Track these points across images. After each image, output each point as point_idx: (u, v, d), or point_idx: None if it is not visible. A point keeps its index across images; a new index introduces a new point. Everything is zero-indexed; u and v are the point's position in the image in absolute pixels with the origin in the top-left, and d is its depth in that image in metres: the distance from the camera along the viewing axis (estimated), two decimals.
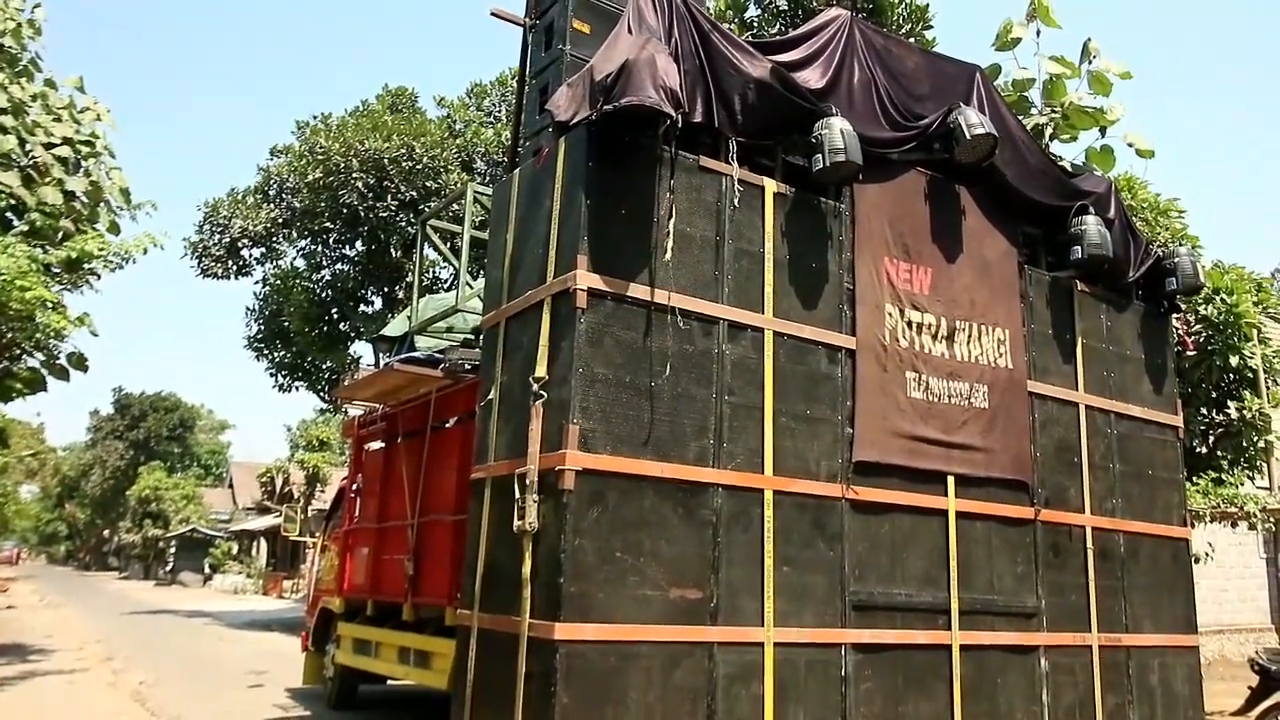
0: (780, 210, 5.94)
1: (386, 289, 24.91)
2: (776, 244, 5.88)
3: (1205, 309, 11.52)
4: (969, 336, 6.64)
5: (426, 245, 9.61)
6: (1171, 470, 7.75)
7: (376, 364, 12.11)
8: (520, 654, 4.87)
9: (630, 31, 5.66)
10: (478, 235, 8.91)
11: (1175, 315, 8.29)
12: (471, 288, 7.89)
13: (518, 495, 5.05)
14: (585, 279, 5.08)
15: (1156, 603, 7.34)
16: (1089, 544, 6.97)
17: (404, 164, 22.80)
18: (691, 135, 5.59)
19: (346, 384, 11.59)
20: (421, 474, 9.79)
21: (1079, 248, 7.10)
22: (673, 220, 5.32)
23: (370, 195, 22.86)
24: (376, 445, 11.72)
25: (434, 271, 25.16)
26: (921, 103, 6.74)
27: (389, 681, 11.63)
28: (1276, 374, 13.14)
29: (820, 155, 5.82)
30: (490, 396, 5.77)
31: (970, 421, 6.51)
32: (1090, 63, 10.61)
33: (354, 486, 12.07)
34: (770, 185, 5.91)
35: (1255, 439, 12.45)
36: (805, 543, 5.60)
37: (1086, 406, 7.23)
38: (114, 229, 14.89)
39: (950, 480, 6.31)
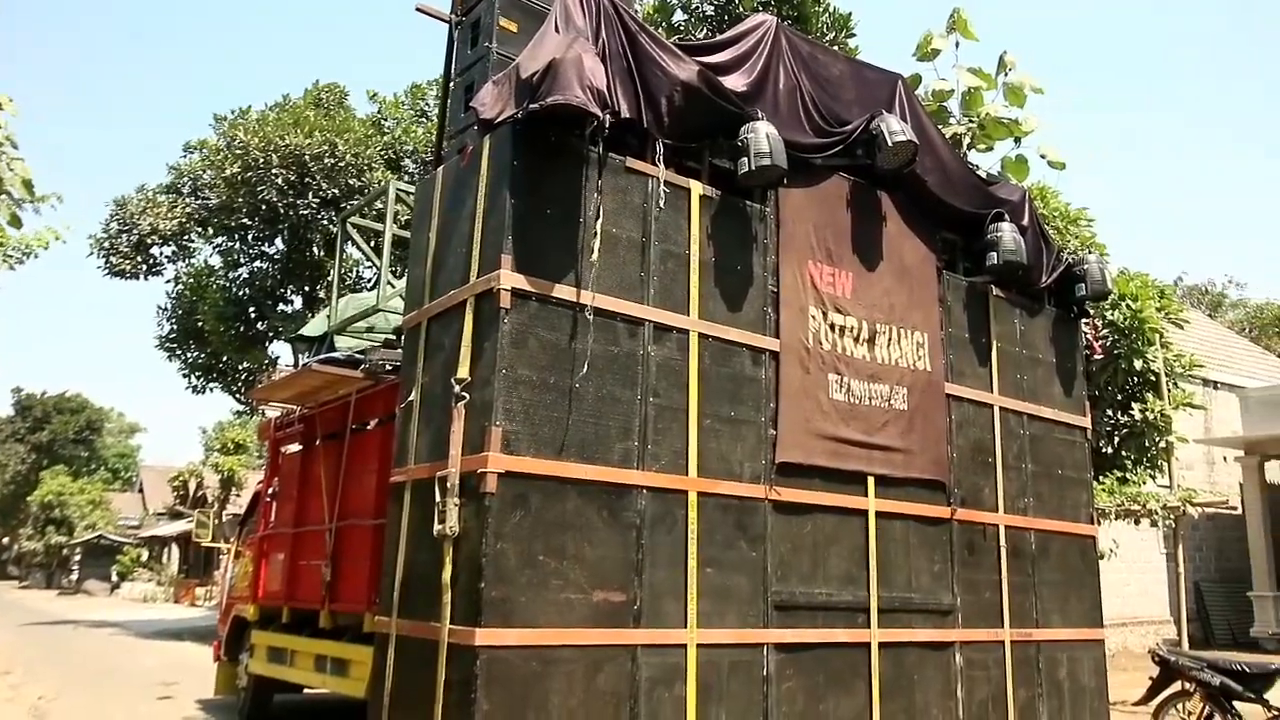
0: (706, 213, 5.96)
1: (307, 288, 24.35)
2: (702, 246, 5.89)
3: (1112, 314, 11.96)
4: (889, 339, 6.76)
5: (348, 243, 9.40)
6: (1080, 470, 8.01)
7: (295, 364, 11.83)
8: (440, 660, 4.78)
9: (557, 30, 5.62)
10: (400, 234, 8.79)
11: (1084, 320, 8.57)
12: (393, 287, 7.74)
13: (438, 498, 4.96)
14: (509, 279, 5.02)
15: (1065, 598, 7.57)
16: (1002, 542, 7.15)
17: (326, 161, 22.32)
18: (618, 136, 5.56)
19: (263, 385, 11.28)
20: (340, 477, 9.57)
21: (995, 254, 7.29)
22: (600, 221, 5.29)
23: (290, 192, 22.33)
24: (294, 448, 11.42)
25: (357, 271, 24.69)
26: (846, 109, 6.84)
27: (305, 691, 11.35)
28: (1177, 377, 13.70)
29: (746, 159, 5.85)
30: (411, 398, 5.66)
31: (890, 423, 6.62)
32: (1006, 75, 10.95)
33: (270, 490, 11.75)
34: (696, 188, 5.93)
35: (1157, 439, 12.99)
36: (728, 544, 5.63)
37: (1000, 408, 7.42)
38: (15, 222, 14.25)
39: (870, 481, 6.41)
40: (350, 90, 25.49)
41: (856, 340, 6.57)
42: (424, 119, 24.69)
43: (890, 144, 6.59)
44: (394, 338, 7.89)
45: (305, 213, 22.72)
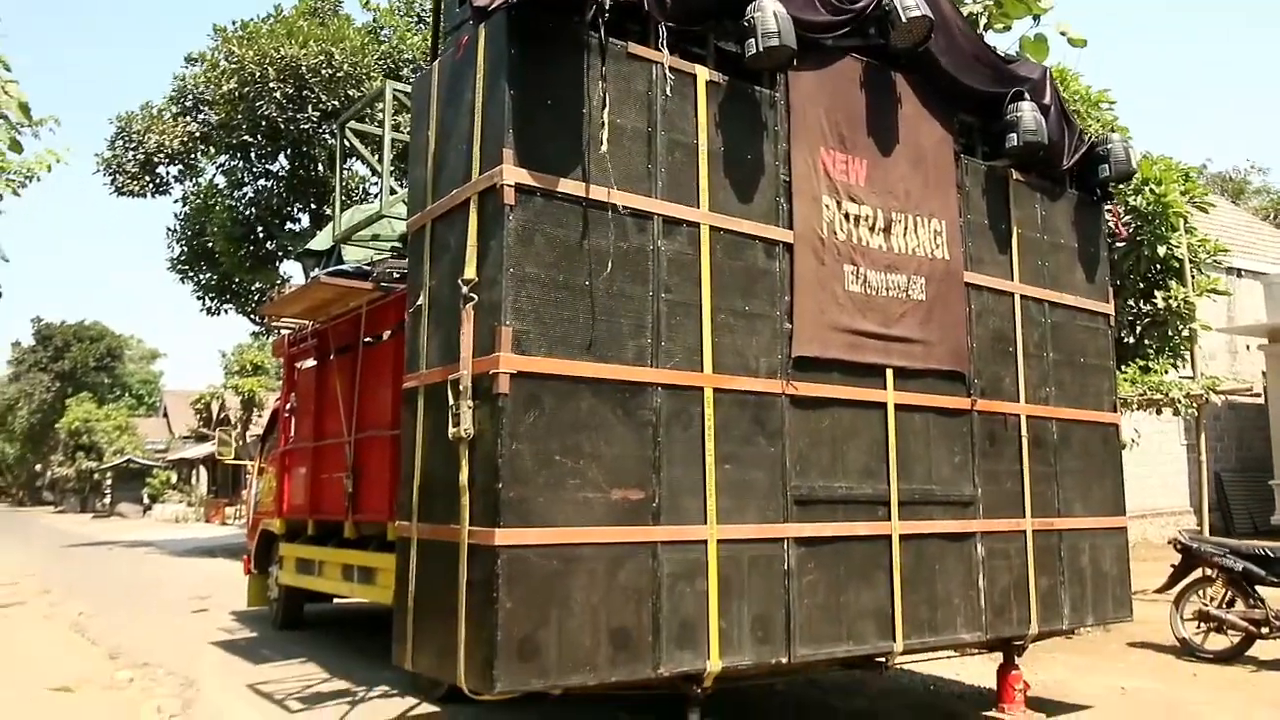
0: (713, 100, 5.72)
1: (314, 205, 24.12)
2: (710, 135, 5.67)
3: (1134, 200, 11.63)
4: (905, 228, 6.56)
5: (349, 151, 9.09)
6: (1103, 358, 7.86)
7: (306, 280, 11.77)
8: (461, 562, 4.78)
9: None
10: (400, 138, 8.56)
11: (1108, 204, 8.30)
12: (395, 192, 7.56)
13: (451, 402, 4.89)
14: (512, 174, 4.85)
15: (1087, 487, 7.51)
16: (1023, 432, 7.06)
17: (323, 72, 21.84)
18: (618, 23, 5.29)
19: (273, 301, 11.22)
20: (356, 390, 9.59)
21: (1015, 135, 7.01)
22: (606, 111, 5.08)
23: (290, 106, 21.92)
24: (309, 364, 11.44)
25: (364, 186, 24.38)
26: None
27: (334, 600, 11.58)
28: (1201, 264, 13.42)
29: (753, 40, 5.58)
30: (419, 302, 5.55)
31: (908, 314, 6.47)
32: None
33: (288, 407, 11.82)
34: (703, 73, 5.68)
35: (1180, 327, 12.79)
36: (746, 440, 5.56)
37: (1021, 296, 7.24)
38: (15, 147, 14.03)
39: (889, 373, 6.29)
40: None
41: (872, 229, 6.38)
42: (422, 25, 24.01)
43: (904, 20, 6.27)
44: (401, 245, 7.75)
45: (306, 127, 22.35)
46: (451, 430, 4.86)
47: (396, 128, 7.85)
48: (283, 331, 11.90)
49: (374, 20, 24.61)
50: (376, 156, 8.69)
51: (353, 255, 10.02)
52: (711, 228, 5.58)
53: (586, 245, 5.08)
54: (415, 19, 24.65)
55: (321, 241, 11.12)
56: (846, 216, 6.26)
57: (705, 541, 5.25)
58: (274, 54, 21.22)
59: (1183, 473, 21.21)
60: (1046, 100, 7.40)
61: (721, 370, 5.50)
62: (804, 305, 5.93)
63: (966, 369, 6.76)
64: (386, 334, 9.31)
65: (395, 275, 7.50)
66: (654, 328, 5.26)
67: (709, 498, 5.31)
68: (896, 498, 6.18)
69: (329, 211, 23.75)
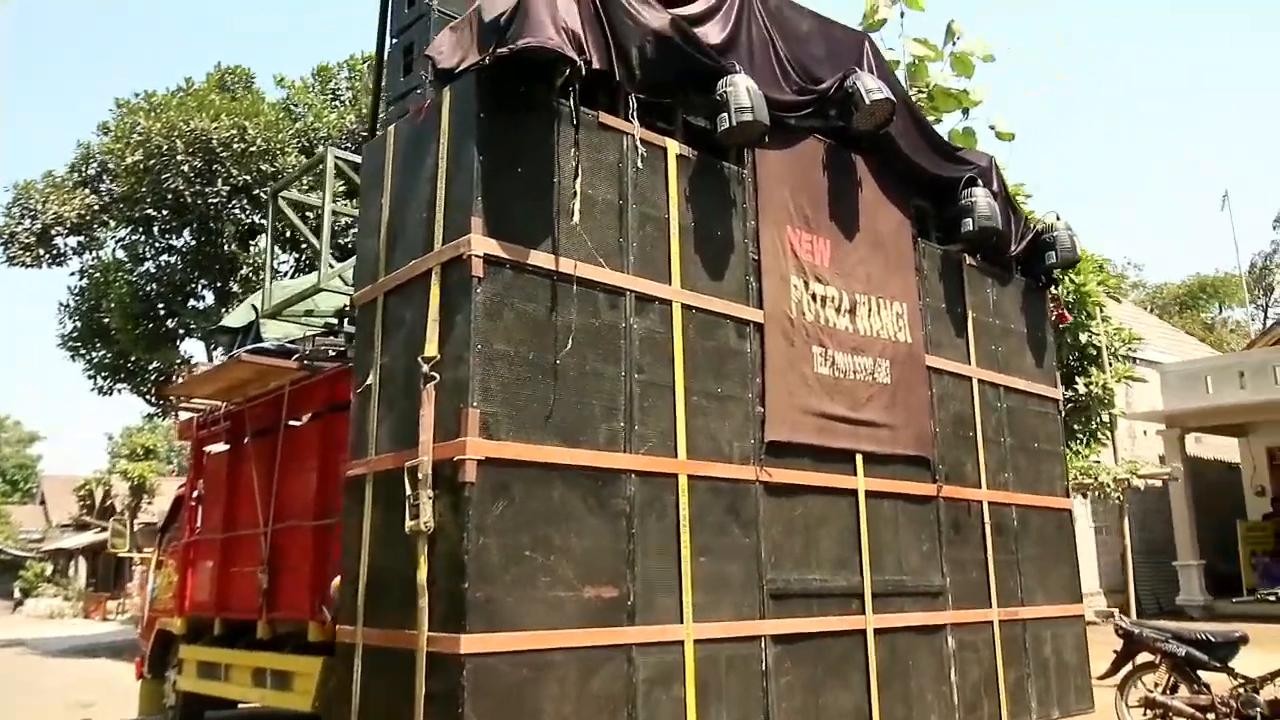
0: (683, 174, 5.52)
1: (219, 283, 23.15)
2: (681, 210, 5.46)
3: (1055, 289, 11.89)
4: (869, 310, 6.43)
5: (279, 221, 8.52)
6: (1054, 442, 7.84)
7: (211, 359, 11.06)
8: (419, 672, 4.26)
9: None
10: (343, 211, 8.13)
11: (1051, 289, 8.41)
12: (333, 266, 7.11)
13: (409, 491, 4.42)
14: (481, 244, 4.51)
15: (1045, 574, 7.39)
16: (986, 518, 6.91)
17: (235, 146, 21.19)
18: (587, 91, 5.08)
19: (183, 380, 10.49)
20: (275, 477, 8.89)
21: (970, 219, 7.03)
22: (579, 180, 4.81)
23: (198, 180, 21.14)
24: (219, 448, 10.67)
25: (276, 259, 23.59)
26: (818, 66, 6.47)
27: (240, 706, 10.61)
28: (1116, 351, 13.80)
29: (726, 114, 5.43)
30: (368, 381, 5.10)
31: (875, 397, 6.29)
32: (954, 44, 10.76)
33: (194, 494, 10.94)
34: (673, 146, 5.49)
35: (1100, 413, 13.04)
36: (721, 529, 5.22)
37: (979, 380, 7.18)
38: None
39: (859, 458, 6.07)
40: (255, 75, 24.31)
41: (838, 311, 6.23)
42: (336, 103, 23.79)
43: (867, 102, 6.24)
44: (336, 321, 7.27)
45: (215, 201, 21.58)
46: (409, 523, 4.38)
47: (335, 199, 7.46)
48: (186, 414, 11.13)
49: (287, 97, 24.20)
50: (310, 227, 8.24)
51: (274, 332, 9.45)
52: (684, 305, 5.32)
53: (557, 321, 4.74)
54: (330, 96, 24.35)
55: (238, 318, 10.49)
56: (814, 297, 6.09)
57: (682, 642, 4.85)
58: (183, 126, 20.54)
59: (1092, 555, 21.60)
60: (995, 187, 7.48)
61: (696, 455, 5.17)
62: (775, 388, 5.68)
63: (931, 454, 6.60)
64: (310, 416, 8.72)
65: (330, 353, 7.01)
66: (627, 410, 4.93)
67: (685, 593, 4.93)
68: (870, 589, 5.90)
69: (236, 288, 22.96)
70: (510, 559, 4.31)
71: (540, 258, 4.72)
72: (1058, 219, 7.87)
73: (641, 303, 5.12)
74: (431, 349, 4.57)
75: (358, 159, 6.80)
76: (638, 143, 5.26)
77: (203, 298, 23.99)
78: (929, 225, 7.33)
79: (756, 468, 5.46)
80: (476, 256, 4.47)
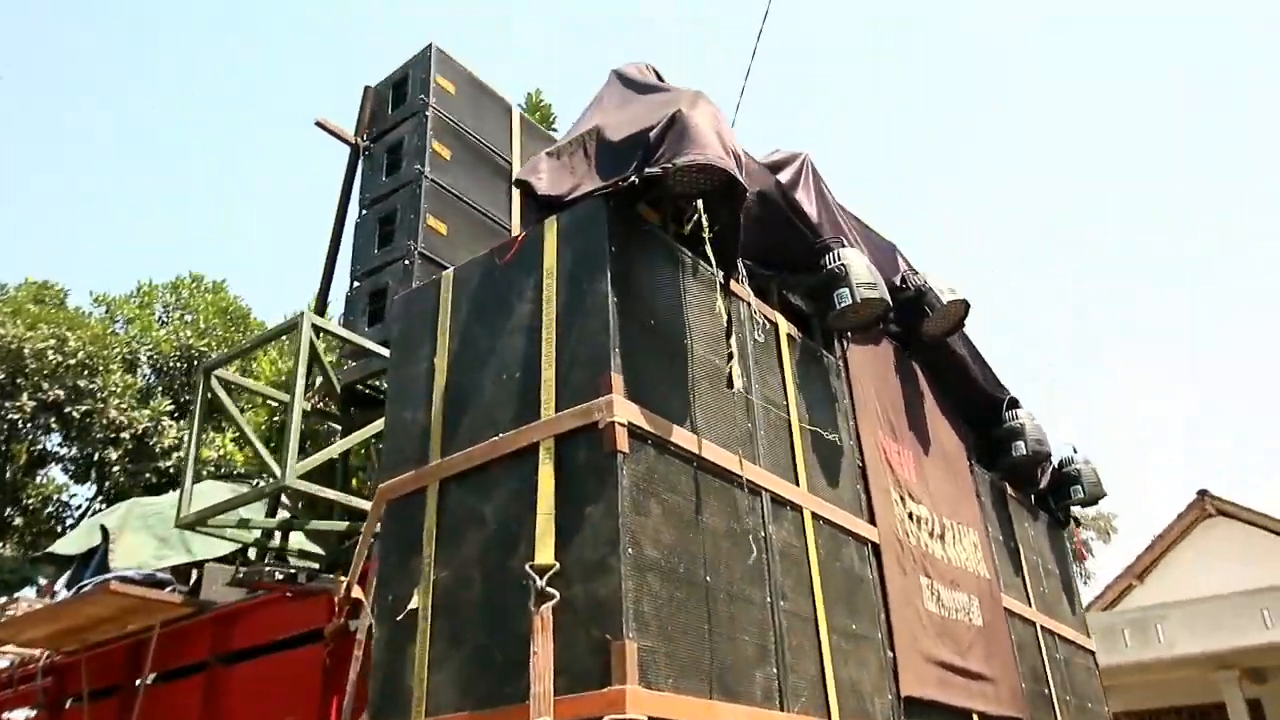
0: (792, 356, 4.55)
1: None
2: (795, 398, 4.44)
3: (1077, 526, 11.44)
4: (954, 536, 5.47)
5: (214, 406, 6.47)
6: (1099, 703, 6.87)
7: (39, 591, 8.70)
8: None
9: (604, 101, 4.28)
10: (270, 393, 6.54)
11: (1073, 526, 7.79)
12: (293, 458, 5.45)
13: None
14: (624, 409, 3.28)
15: None
16: None
17: (51, 358, 18.74)
18: (694, 242, 4.14)
19: (8, 620, 8.01)
20: None
21: (1021, 443, 6.37)
22: (733, 340, 3.73)
23: None
24: (22, 715, 8.15)
25: (71, 491, 20.48)
26: (878, 266, 5.84)
27: None
28: None
29: (846, 290, 4.59)
30: (412, 605, 3.54)
31: (974, 643, 5.20)
32: None
33: None
34: (783, 324, 4.55)
35: None
36: None
37: (1041, 627, 6.23)
38: None
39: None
40: (69, 290, 22.35)
41: (931, 535, 5.23)
42: (162, 323, 22.02)
43: (943, 303, 5.61)
44: (283, 533, 5.58)
45: (15, 418, 18.70)
46: None
47: (274, 378, 5.92)
48: None
49: (106, 312, 22.13)
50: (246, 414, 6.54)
51: (128, 558, 7.47)
52: (813, 514, 4.18)
53: (701, 523, 3.48)
54: (153, 315, 22.45)
55: (73, 543, 8.32)
56: (910, 516, 5.08)
57: None
58: None
59: None
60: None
61: (847, 714, 3.84)
62: (899, 627, 4.50)
63: (1025, 715, 5.47)
64: (184, 667, 6.63)
65: (277, 576, 5.22)
66: (778, 651, 3.61)
67: None
68: None
69: (19, 521, 19.71)
70: None
71: (682, 436, 3.53)
72: (1075, 452, 7.35)
73: (776, 506, 3.95)
74: (545, 554, 3.18)
75: (339, 329, 5.45)
76: (755, 312, 4.30)
77: None
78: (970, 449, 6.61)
79: None
80: (620, 425, 3.23)
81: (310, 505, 5.56)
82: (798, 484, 4.15)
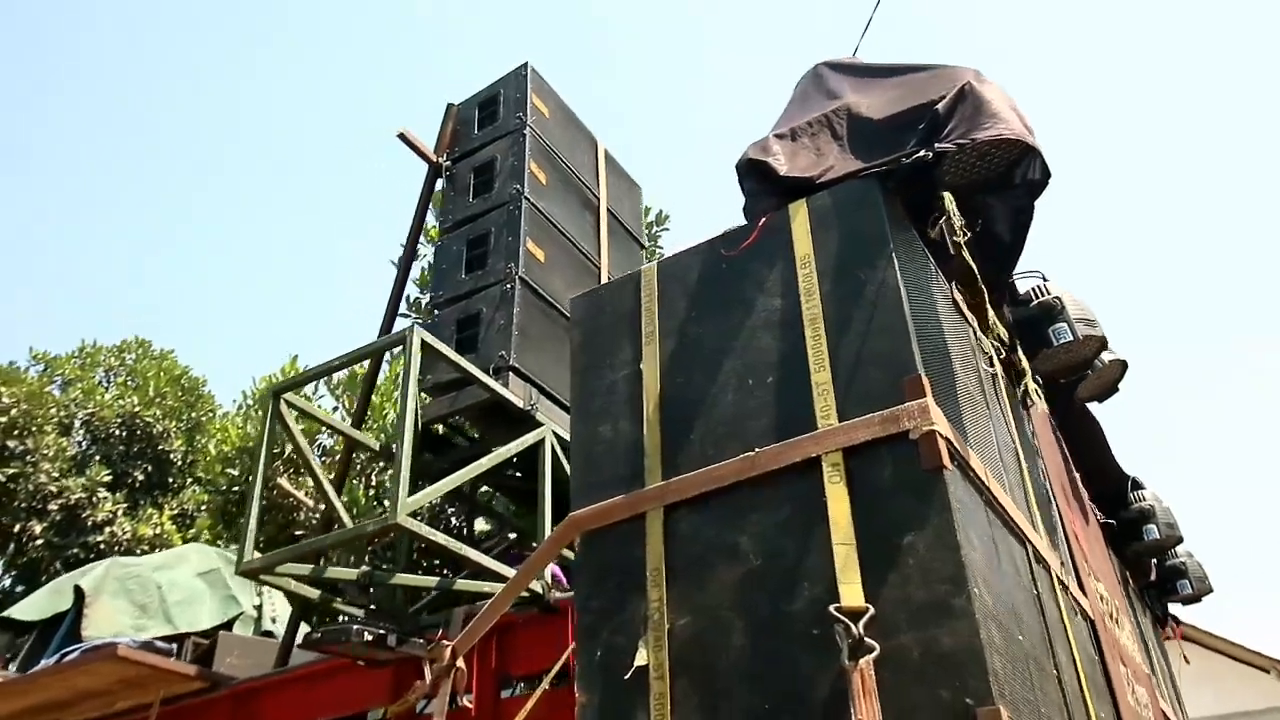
0: (1012, 396, 3.98)
1: None
2: (1018, 440, 3.85)
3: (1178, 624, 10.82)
4: (1123, 625, 4.86)
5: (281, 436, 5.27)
6: None
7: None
8: None
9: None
10: (341, 425, 5.63)
11: (1175, 626, 7.21)
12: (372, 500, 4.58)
13: None
14: (940, 418, 2.65)
15: None
16: None
17: None
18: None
19: None
20: None
21: (1153, 527, 5.84)
22: (997, 362, 3.15)
23: None
24: None
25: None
26: None
27: None
28: None
29: (1065, 325, 4.04)
30: (639, 663, 2.75)
31: None
32: None
33: None
34: (1023, 359, 3.98)
35: None
36: None
37: None
38: None
39: None
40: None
41: (1112, 616, 4.61)
42: (105, 386, 20.70)
43: (1102, 363, 5.11)
44: (357, 580, 4.69)
45: None
46: None
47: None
48: None
49: (45, 370, 20.67)
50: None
51: (103, 627, 6.44)
52: (1057, 579, 3.54)
53: (1002, 571, 2.82)
54: (104, 379, 21.05)
55: (36, 607, 7.21)
56: (1101, 599, 4.46)
57: None
58: None
59: None
60: None
61: None
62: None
63: None
64: None
65: (367, 636, 4.28)
66: None
67: None
68: None
69: None
70: None
71: (975, 463, 2.89)
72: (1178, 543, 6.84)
73: (1037, 564, 3.30)
74: (854, 594, 2.47)
75: (452, 353, 4.69)
76: (978, 334, 3.74)
77: None
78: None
79: None
80: (942, 436, 2.59)
81: (385, 556, 4.71)
82: (1040, 537, 3.52)
